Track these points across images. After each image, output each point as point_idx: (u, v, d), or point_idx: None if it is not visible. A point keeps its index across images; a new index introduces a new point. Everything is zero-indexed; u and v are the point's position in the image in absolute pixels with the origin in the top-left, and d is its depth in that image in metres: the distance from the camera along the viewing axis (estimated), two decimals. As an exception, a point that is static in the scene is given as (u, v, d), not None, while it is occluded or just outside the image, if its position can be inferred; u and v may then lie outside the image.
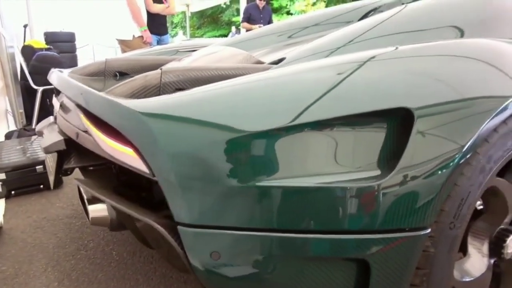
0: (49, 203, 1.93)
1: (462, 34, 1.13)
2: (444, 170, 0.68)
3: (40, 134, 1.21)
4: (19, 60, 3.34)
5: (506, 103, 0.77)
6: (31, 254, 1.46)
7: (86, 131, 0.88)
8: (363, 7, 1.82)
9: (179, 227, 0.66)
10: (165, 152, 0.66)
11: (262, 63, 1.25)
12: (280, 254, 0.68)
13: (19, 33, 4.14)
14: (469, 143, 0.70)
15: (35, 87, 3.20)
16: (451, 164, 0.69)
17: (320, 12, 1.94)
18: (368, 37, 1.12)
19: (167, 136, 0.66)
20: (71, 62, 5.00)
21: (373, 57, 0.82)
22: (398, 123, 0.71)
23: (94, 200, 0.95)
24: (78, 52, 5.97)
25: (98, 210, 0.96)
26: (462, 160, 0.71)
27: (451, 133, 0.70)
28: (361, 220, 0.67)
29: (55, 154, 1.08)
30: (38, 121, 3.16)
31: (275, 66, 1.04)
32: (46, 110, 3.26)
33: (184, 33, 12.31)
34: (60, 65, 3.30)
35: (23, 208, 1.89)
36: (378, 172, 0.70)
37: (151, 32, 3.51)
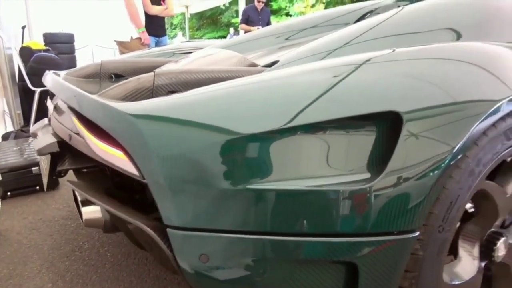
0: (45, 205, 1.94)
1: (458, 36, 1.14)
2: (432, 173, 0.69)
3: (35, 136, 1.21)
4: (17, 61, 3.35)
5: (496, 106, 0.77)
6: (26, 255, 1.46)
7: (78, 133, 0.89)
8: (360, 9, 1.83)
9: (168, 230, 0.67)
10: (155, 154, 0.66)
11: (256, 65, 1.25)
12: (270, 257, 0.68)
13: (18, 34, 4.14)
14: (458, 146, 0.71)
15: (32, 88, 3.20)
16: (440, 167, 0.69)
17: (318, 14, 1.94)
18: (363, 40, 1.13)
19: (156, 138, 0.67)
20: (70, 63, 5.00)
21: (367, 60, 0.82)
22: (387, 126, 0.72)
23: (87, 202, 0.95)
24: (77, 53, 5.98)
25: (91, 212, 0.96)
26: (451, 163, 0.71)
27: (440, 136, 0.71)
28: (349, 223, 0.67)
29: (49, 156, 1.08)
30: (36, 122, 3.16)
31: (268, 68, 1.05)
32: (44, 112, 3.25)
33: (184, 35, 12.32)
34: (58, 66, 3.31)
35: (19, 209, 1.89)
36: (368, 175, 0.70)
37: (149, 34, 3.52)
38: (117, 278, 1.31)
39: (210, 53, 1.49)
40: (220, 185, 0.66)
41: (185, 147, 0.67)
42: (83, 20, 7.21)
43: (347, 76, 0.78)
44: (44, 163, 1.11)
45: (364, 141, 0.73)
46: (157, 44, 3.75)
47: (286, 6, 13.76)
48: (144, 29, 3.45)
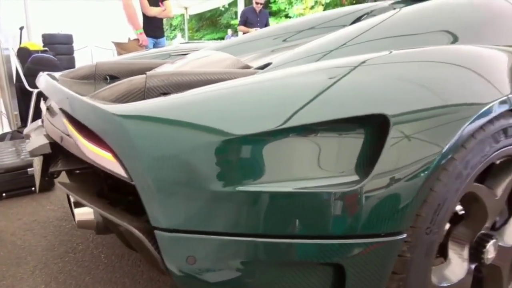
0: (40, 206, 1.94)
1: (455, 38, 1.14)
2: (419, 176, 0.69)
3: (28, 137, 1.21)
4: (15, 62, 3.35)
5: (484, 109, 0.77)
6: (20, 257, 1.46)
7: (69, 135, 0.89)
8: (358, 11, 1.83)
9: (155, 231, 0.67)
10: (142, 155, 0.66)
11: (250, 67, 1.26)
12: (257, 259, 0.68)
13: (16, 35, 4.15)
14: (445, 149, 0.71)
15: (30, 89, 3.21)
16: (427, 170, 0.69)
17: (315, 16, 1.95)
18: (358, 42, 1.13)
19: (144, 139, 0.67)
20: (69, 64, 5.01)
21: (362, 62, 0.82)
22: (375, 129, 0.72)
23: (80, 204, 0.95)
24: (76, 54, 5.99)
25: (84, 213, 0.96)
26: (438, 166, 0.71)
27: (427, 139, 0.71)
28: (335, 225, 0.67)
29: (41, 157, 1.08)
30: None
31: (261, 71, 1.05)
32: (41, 113, 3.26)
33: (183, 36, 12.34)
34: (55, 67, 3.31)
35: (14, 210, 1.89)
36: (356, 177, 0.71)
37: (147, 35, 3.52)
38: (110, 279, 1.31)
39: (205, 55, 1.49)
40: (208, 187, 0.66)
41: (173, 148, 0.67)
42: (83, 21, 7.22)
43: (339, 78, 0.78)
44: (37, 164, 1.11)
45: (353, 143, 0.73)
46: (155, 46, 3.76)
47: (285, 8, 13.78)
48: (142, 31, 3.46)
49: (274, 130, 0.68)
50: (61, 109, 0.90)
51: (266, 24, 5.18)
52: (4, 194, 2.00)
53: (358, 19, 1.77)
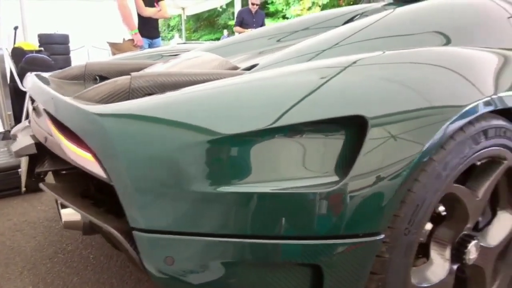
0: (31, 206, 1.93)
1: (447, 40, 1.15)
2: (397, 177, 0.69)
3: (15, 137, 1.21)
4: (8, 62, 3.34)
5: (464, 110, 0.78)
6: (8, 257, 1.46)
7: (52, 136, 0.89)
8: (351, 13, 1.84)
9: (133, 232, 0.67)
10: (121, 155, 0.67)
11: (237, 68, 1.26)
12: (234, 260, 0.68)
13: (11, 35, 4.14)
14: (423, 151, 0.71)
15: (24, 89, 3.20)
16: (404, 171, 0.70)
17: (309, 16, 1.96)
18: (349, 42, 1.14)
19: (122, 138, 0.67)
20: (65, 64, 4.99)
21: (350, 63, 0.82)
22: (355, 130, 0.72)
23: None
24: (73, 54, 5.97)
25: (71, 214, 0.96)
26: (416, 167, 0.72)
27: (405, 140, 0.72)
28: (313, 226, 0.68)
29: (27, 158, 1.08)
30: (27, 123, 3.14)
31: (247, 72, 1.06)
32: (35, 113, 3.25)
33: (180, 36, 12.34)
34: (49, 67, 3.30)
35: (5, 211, 1.88)
36: (336, 178, 0.71)
37: (142, 36, 3.52)
38: (98, 280, 1.31)
39: (194, 56, 1.50)
40: (188, 188, 0.67)
41: (153, 148, 0.68)
42: (80, 21, 7.21)
43: (327, 79, 0.78)
44: (23, 164, 1.11)
45: (334, 144, 0.73)
46: (150, 46, 3.75)
47: (282, 9, 13.80)
48: (137, 31, 3.46)
49: (251, 131, 0.69)
50: (44, 110, 0.90)
51: (262, 25, 5.19)
52: (-5, 195, 1.99)
53: (350, 20, 1.78)
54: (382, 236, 0.71)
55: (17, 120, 3.39)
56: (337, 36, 1.17)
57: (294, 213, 0.67)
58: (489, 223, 1.00)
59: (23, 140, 1.08)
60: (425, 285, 0.82)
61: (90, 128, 0.70)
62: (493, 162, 0.90)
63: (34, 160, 1.12)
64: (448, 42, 1.15)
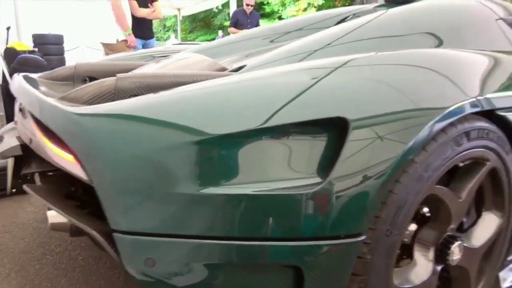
0: (20, 208, 1.92)
1: (438, 41, 1.16)
2: (377, 179, 0.70)
3: (1, 138, 1.21)
4: (0, 63, 3.32)
5: (446, 112, 0.78)
6: (-4, 259, 1.45)
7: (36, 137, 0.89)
8: (344, 14, 1.84)
9: (114, 234, 0.67)
10: (101, 156, 0.66)
11: (225, 69, 1.26)
12: (214, 262, 0.68)
13: (4, 35, 4.12)
14: (404, 152, 0.72)
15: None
16: (385, 172, 0.70)
17: (303, 17, 1.97)
18: (341, 42, 1.14)
19: (103, 139, 0.67)
20: (59, 64, 4.95)
21: (341, 64, 0.82)
22: (337, 132, 0.73)
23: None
24: (67, 55, 5.94)
25: (57, 216, 0.96)
26: (397, 169, 0.72)
27: (386, 142, 0.72)
28: (294, 227, 0.68)
29: (12, 159, 1.08)
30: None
31: (235, 73, 1.06)
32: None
33: (176, 37, 12.32)
34: (42, 68, 3.28)
35: (-6, 212, 1.87)
36: (318, 179, 0.71)
37: (136, 36, 3.52)
38: (86, 281, 1.31)
39: (184, 57, 1.50)
40: (169, 189, 0.67)
41: (133, 149, 0.67)
42: (74, 22, 7.18)
43: (316, 80, 0.79)
44: (9, 166, 1.11)
45: (317, 146, 0.74)
46: (144, 47, 3.75)
47: (278, 10, 13.83)
48: (130, 32, 3.46)
49: (237, 132, 0.69)
50: (28, 111, 0.90)
51: (257, 26, 5.19)
52: (-16, 196, 1.98)
53: (342, 21, 1.78)
54: (363, 237, 0.71)
55: (9, 121, 3.37)
56: (329, 37, 1.18)
57: (277, 215, 0.68)
58: (474, 224, 1.00)
59: (9, 142, 1.08)
60: (407, 286, 0.83)
61: (70, 128, 0.70)
62: (476, 163, 0.90)
63: (20, 162, 1.11)
64: (439, 43, 1.16)
